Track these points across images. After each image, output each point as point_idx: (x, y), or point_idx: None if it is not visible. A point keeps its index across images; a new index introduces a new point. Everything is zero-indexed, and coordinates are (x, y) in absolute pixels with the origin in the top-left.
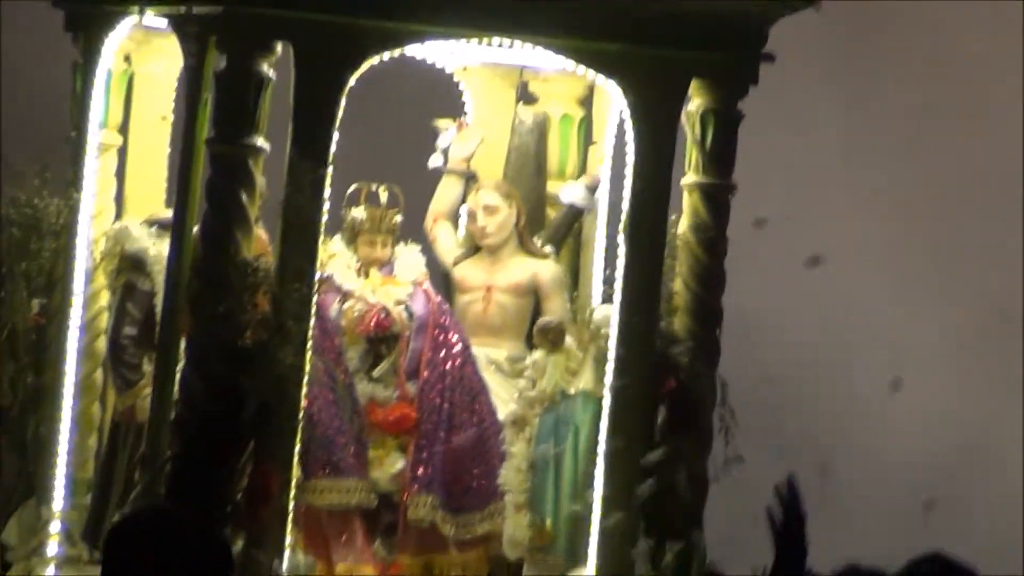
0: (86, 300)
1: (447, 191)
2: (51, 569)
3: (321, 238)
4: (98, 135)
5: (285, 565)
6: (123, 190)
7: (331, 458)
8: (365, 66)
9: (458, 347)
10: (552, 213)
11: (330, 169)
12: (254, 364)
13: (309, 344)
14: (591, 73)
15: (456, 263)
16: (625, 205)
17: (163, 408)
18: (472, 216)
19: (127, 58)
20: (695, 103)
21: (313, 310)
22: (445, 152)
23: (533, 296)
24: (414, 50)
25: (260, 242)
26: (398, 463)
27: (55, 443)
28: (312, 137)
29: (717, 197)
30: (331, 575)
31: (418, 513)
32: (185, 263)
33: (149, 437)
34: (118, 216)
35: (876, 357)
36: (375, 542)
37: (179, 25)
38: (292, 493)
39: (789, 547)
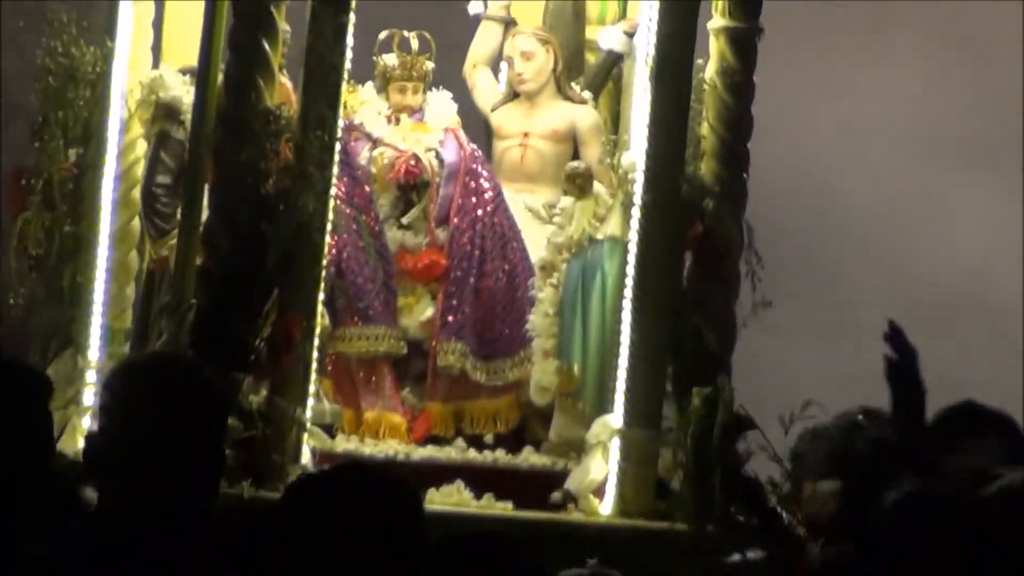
0: (122, 149)
1: (486, 37)
2: (88, 419)
3: (345, 85)
4: None
5: (308, 413)
6: (160, 40)
7: (359, 306)
8: None
9: (489, 193)
10: (592, 59)
11: (352, 16)
12: (276, 212)
13: (333, 192)
14: None
15: (494, 109)
16: (651, 50)
17: (188, 256)
18: (509, 62)
19: None
20: None
21: (336, 157)
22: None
23: (571, 142)
24: None
25: (284, 90)
26: (427, 310)
27: (91, 292)
28: None
29: (743, 40)
30: (359, 422)
31: (447, 360)
32: (210, 112)
33: (174, 285)
34: (155, 66)
35: None
36: (404, 389)
37: None
38: (316, 341)
39: (907, 388)
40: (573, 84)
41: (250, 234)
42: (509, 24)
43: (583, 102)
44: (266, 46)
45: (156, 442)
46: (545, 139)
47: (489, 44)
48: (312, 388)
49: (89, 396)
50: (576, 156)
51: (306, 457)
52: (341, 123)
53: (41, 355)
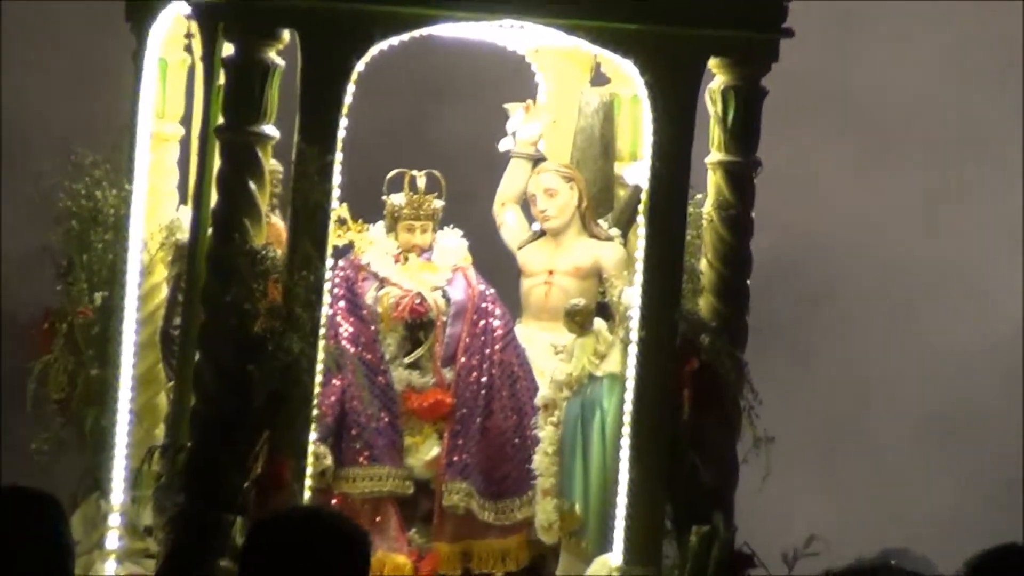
0: (145, 293)
1: (515, 174)
2: (111, 563)
3: (331, 226)
4: (150, 125)
5: None
6: (187, 180)
7: (364, 446)
8: (372, 51)
9: (499, 332)
10: (621, 193)
11: (339, 156)
12: (263, 353)
13: (321, 332)
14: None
15: (520, 247)
16: (645, 185)
17: (183, 397)
18: (532, 200)
19: (188, 48)
20: (717, 80)
21: (327, 298)
22: (514, 135)
23: (596, 279)
24: (479, 32)
25: (275, 230)
26: (433, 450)
27: (113, 435)
28: (319, 124)
29: (740, 175)
30: None
31: (452, 500)
32: (202, 253)
33: (169, 427)
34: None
35: None
36: (411, 530)
37: (197, 13)
38: (308, 482)
39: None
40: (601, 220)
41: (237, 375)
42: (538, 161)
43: (609, 239)
44: (252, 186)
45: None
46: (569, 276)
47: (518, 181)
48: None
49: (113, 540)
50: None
51: None
52: (348, 262)
53: (69, 499)
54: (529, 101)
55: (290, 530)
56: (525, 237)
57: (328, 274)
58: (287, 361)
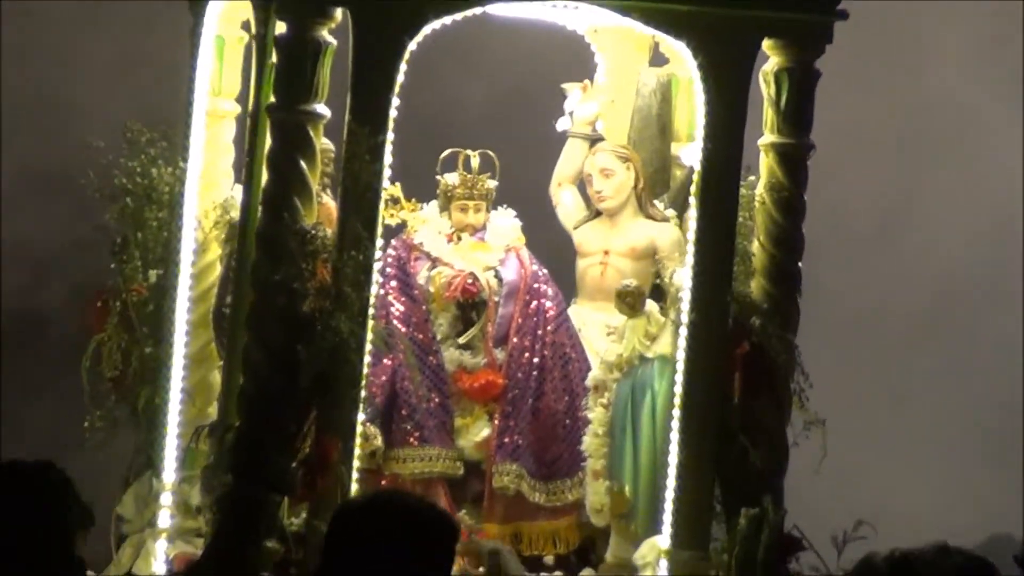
0: (199, 271)
1: (572, 154)
2: (162, 541)
3: (382, 205)
4: (206, 103)
5: None
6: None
7: (415, 426)
8: (425, 31)
9: (551, 312)
10: (678, 175)
11: (390, 136)
12: (312, 333)
13: (371, 312)
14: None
15: (576, 227)
16: (697, 167)
17: (231, 377)
18: (588, 180)
19: (245, 25)
20: (770, 62)
21: (376, 278)
22: (571, 115)
23: (652, 260)
24: (534, 11)
25: (327, 210)
26: (484, 431)
27: (165, 414)
28: (371, 103)
29: (793, 157)
30: None
31: (502, 481)
32: (252, 232)
33: (219, 407)
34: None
35: None
36: (461, 511)
37: None
38: (355, 463)
39: None
40: (657, 201)
41: (285, 355)
42: (595, 141)
43: (665, 219)
44: (303, 165)
45: None
46: (625, 256)
47: (575, 161)
48: None
49: (165, 518)
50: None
51: None
52: (400, 242)
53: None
54: (586, 81)
55: (377, 515)
56: (581, 217)
57: (379, 254)
58: (335, 341)
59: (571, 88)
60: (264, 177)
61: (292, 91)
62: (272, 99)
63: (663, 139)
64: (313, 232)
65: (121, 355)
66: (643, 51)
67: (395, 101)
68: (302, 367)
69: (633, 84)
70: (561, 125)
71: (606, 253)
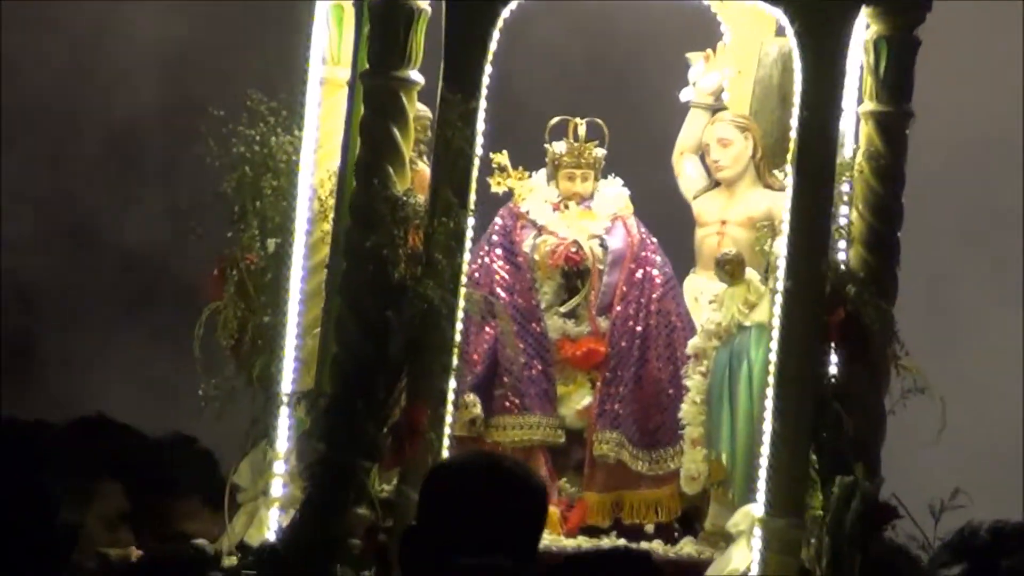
0: (315, 240)
1: (694, 124)
2: (275, 510)
3: (475, 172)
4: (322, 71)
5: None
6: None
7: (516, 394)
8: None
9: (658, 280)
10: None
11: (483, 102)
12: (402, 299)
13: (464, 279)
14: None
15: (696, 197)
16: (793, 134)
17: (326, 345)
18: (706, 149)
19: None
20: (870, 30)
21: (467, 245)
22: (694, 85)
23: (771, 230)
24: None
25: (423, 177)
26: (586, 399)
27: (279, 383)
28: (463, 69)
29: (891, 126)
30: None
31: (602, 450)
32: (347, 199)
33: (316, 374)
34: None
35: None
36: (561, 479)
37: None
38: (447, 430)
39: None
40: (777, 171)
41: (376, 322)
42: (717, 111)
43: (783, 189)
44: (395, 132)
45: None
46: (742, 226)
47: (697, 131)
48: None
49: (278, 487)
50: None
51: None
52: (507, 210)
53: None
54: (709, 51)
55: (471, 477)
56: (701, 187)
57: (473, 221)
58: (425, 308)
59: (695, 58)
60: (356, 146)
61: (385, 57)
62: (366, 66)
63: (784, 109)
64: (404, 199)
65: (237, 323)
66: (769, 22)
67: (488, 68)
68: (392, 334)
69: (757, 55)
70: (684, 95)
71: (723, 223)
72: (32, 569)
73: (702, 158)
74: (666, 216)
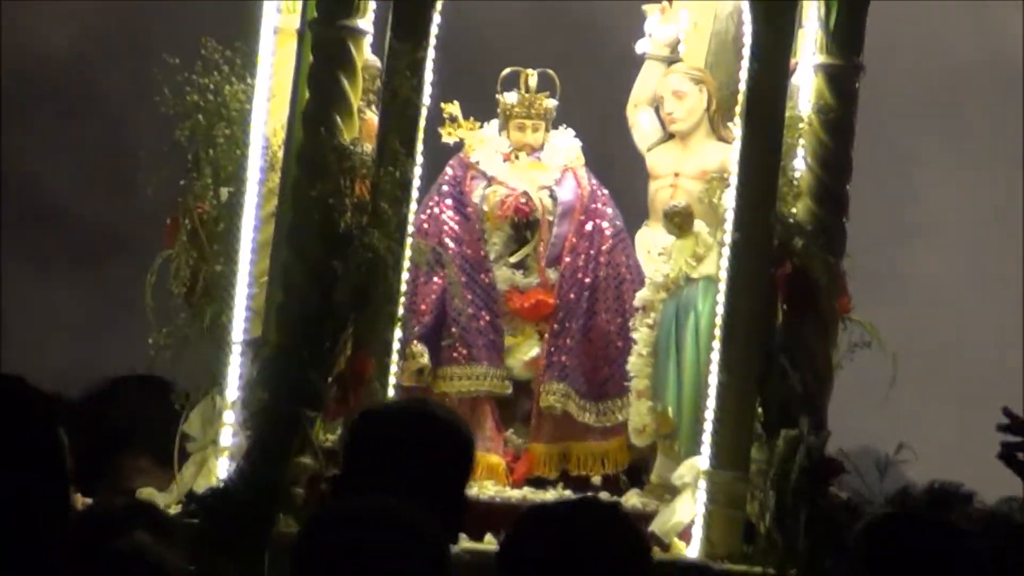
0: (268, 191)
1: (648, 77)
2: (224, 459)
3: (422, 122)
4: (277, 20)
5: None
6: None
7: (463, 344)
8: None
9: (609, 232)
10: None
11: (432, 52)
12: (348, 249)
13: (411, 229)
14: None
15: (650, 149)
16: (742, 86)
17: (272, 294)
18: (660, 101)
19: None
20: None
21: (414, 195)
22: (650, 36)
23: (720, 182)
24: None
25: (372, 127)
26: (534, 350)
27: (230, 332)
28: (411, 19)
29: (841, 79)
30: None
31: (548, 401)
32: (295, 148)
33: (263, 323)
34: None
35: None
36: (508, 430)
37: None
38: (392, 380)
39: None
40: (731, 124)
41: (322, 271)
42: (673, 63)
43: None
44: (343, 81)
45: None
46: (695, 179)
47: (651, 83)
48: None
49: (227, 437)
50: None
51: None
52: (457, 160)
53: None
54: (665, 3)
55: (395, 422)
56: (655, 140)
57: (419, 171)
58: (371, 258)
59: (651, 10)
60: (304, 94)
61: (334, 6)
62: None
63: (738, 62)
64: (352, 148)
65: (190, 272)
66: None
67: (437, 18)
68: (338, 283)
69: (713, 8)
70: (640, 47)
71: (676, 176)
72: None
73: (657, 110)
74: (619, 168)
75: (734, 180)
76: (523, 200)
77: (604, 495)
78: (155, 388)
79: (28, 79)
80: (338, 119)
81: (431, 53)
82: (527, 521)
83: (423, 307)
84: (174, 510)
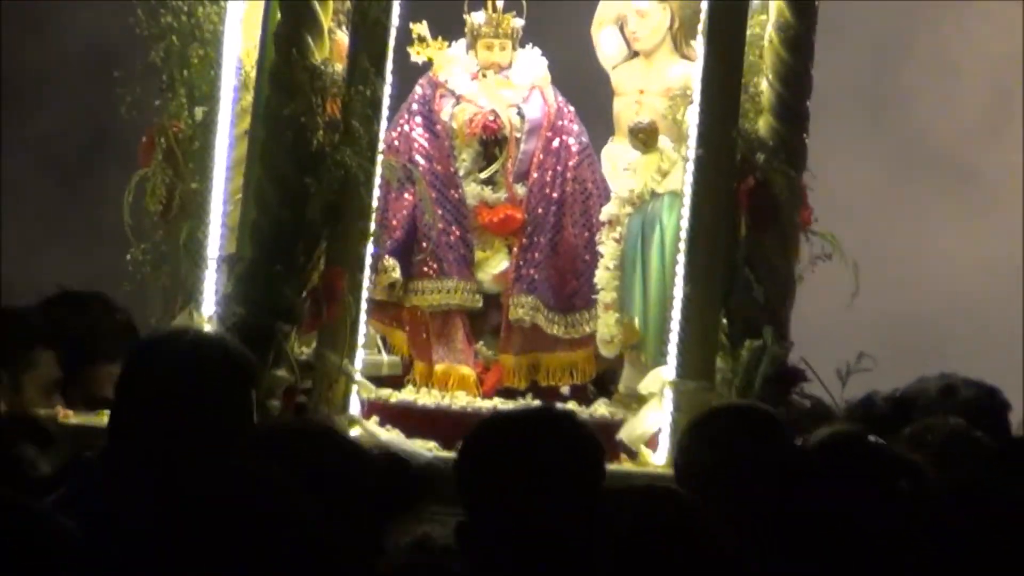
0: (241, 109)
1: None
2: None
3: (391, 41)
4: None
5: (358, 364)
6: None
7: (434, 259)
8: None
9: (575, 148)
10: None
11: None
12: (320, 166)
13: (382, 146)
14: None
15: (614, 67)
16: (704, 3)
17: (247, 211)
18: (624, 20)
19: None
20: None
21: (384, 113)
22: None
23: (683, 99)
24: None
25: (341, 47)
26: (503, 264)
27: (205, 248)
28: None
29: None
30: (430, 375)
31: (517, 313)
32: (267, 69)
33: (238, 239)
34: None
35: None
36: (479, 342)
37: None
38: (364, 294)
39: None
40: (695, 42)
41: (295, 188)
42: None
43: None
44: (314, 3)
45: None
46: (659, 96)
47: (616, 3)
48: (362, 340)
49: None
50: None
51: (355, 407)
52: (427, 79)
53: (165, 310)
54: None
55: (173, 352)
56: (620, 58)
57: (390, 90)
58: (343, 175)
59: None
60: (276, 15)
61: None
62: None
63: None
64: (323, 68)
65: (165, 190)
66: None
67: None
68: (311, 200)
69: None
70: None
71: (641, 92)
72: None
73: (621, 29)
74: (584, 86)
75: (697, 97)
76: (491, 118)
77: (572, 405)
78: (103, 301)
79: None
80: (309, 40)
81: None
82: (481, 429)
83: (394, 223)
84: None
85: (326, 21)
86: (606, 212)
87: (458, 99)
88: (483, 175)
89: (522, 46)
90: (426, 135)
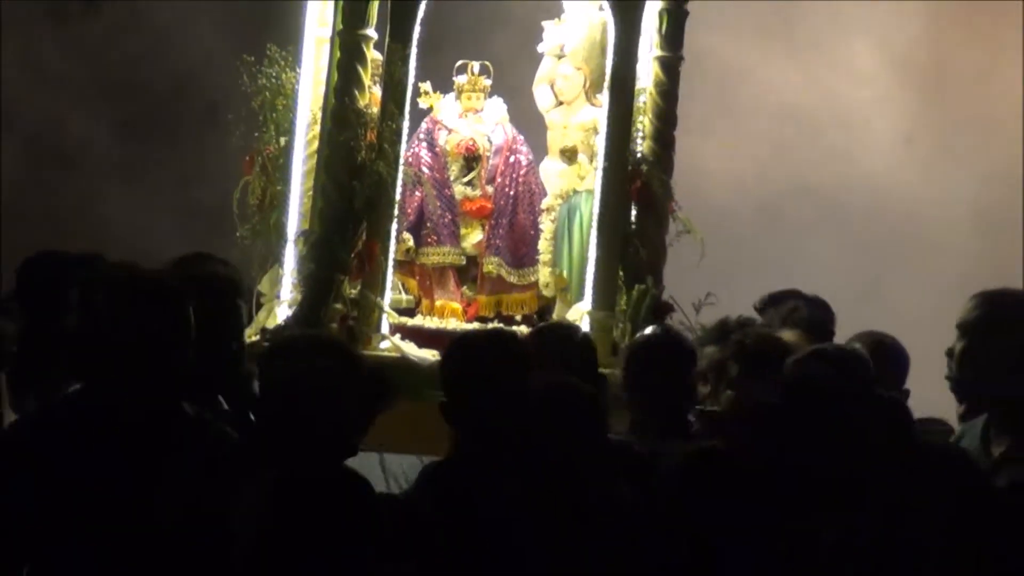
0: (308, 139)
1: (546, 65)
2: (284, 307)
3: (408, 93)
4: (315, 30)
5: (387, 301)
6: None
7: (434, 234)
8: None
9: (524, 162)
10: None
11: (414, 50)
12: (363, 174)
13: (404, 161)
14: None
15: (548, 111)
16: (608, 71)
17: (315, 203)
18: (552, 83)
19: None
20: (659, 4)
21: (405, 138)
22: (546, 40)
23: (594, 131)
24: None
25: (375, 96)
26: (478, 236)
27: (285, 227)
28: (402, 26)
29: (670, 64)
30: (432, 308)
31: (489, 268)
32: (328, 111)
33: (309, 221)
34: None
35: None
36: (463, 287)
37: None
38: (392, 256)
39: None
40: (598, 94)
41: (347, 188)
42: (561, 57)
43: (601, 106)
44: (359, 69)
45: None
46: (578, 129)
47: (549, 70)
48: (389, 285)
49: (286, 292)
50: None
51: (385, 328)
52: (429, 118)
53: (260, 268)
54: (556, 19)
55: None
56: (551, 105)
57: (406, 124)
58: (378, 180)
59: (548, 24)
60: (335, 77)
61: (353, 20)
62: (339, 26)
63: (602, 56)
64: (364, 110)
65: (261, 190)
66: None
67: (418, 28)
68: (356, 195)
69: (588, 21)
70: (541, 47)
71: (565, 127)
72: None
73: (551, 86)
74: (530, 122)
75: (603, 130)
76: (471, 143)
77: (523, 327)
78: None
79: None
80: (356, 92)
81: (414, 51)
82: (456, 341)
83: (409, 211)
84: (252, 339)
85: (367, 80)
86: (545, 203)
87: (450, 131)
88: (465, 180)
89: (490, 96)
90: (430, 154)
